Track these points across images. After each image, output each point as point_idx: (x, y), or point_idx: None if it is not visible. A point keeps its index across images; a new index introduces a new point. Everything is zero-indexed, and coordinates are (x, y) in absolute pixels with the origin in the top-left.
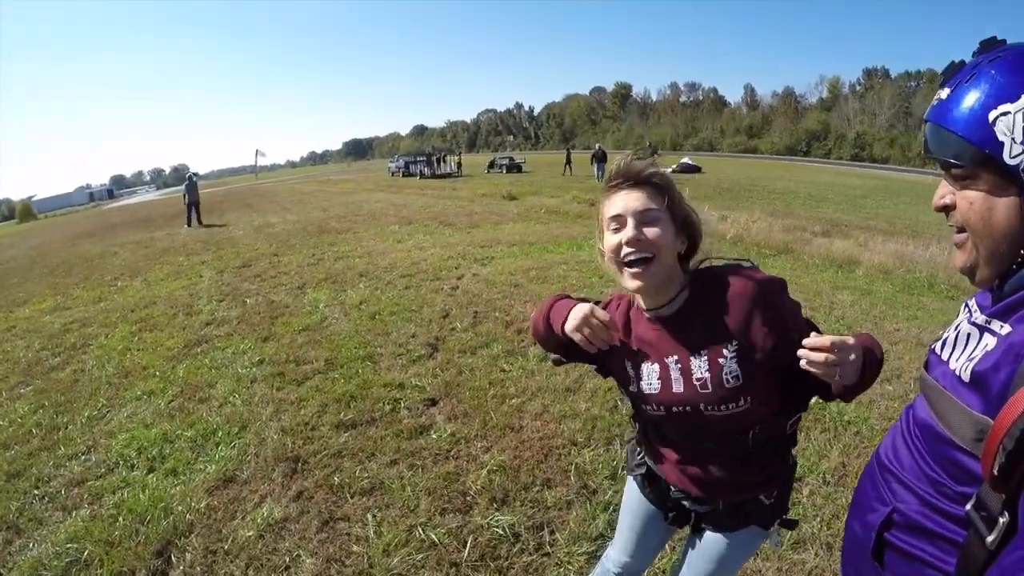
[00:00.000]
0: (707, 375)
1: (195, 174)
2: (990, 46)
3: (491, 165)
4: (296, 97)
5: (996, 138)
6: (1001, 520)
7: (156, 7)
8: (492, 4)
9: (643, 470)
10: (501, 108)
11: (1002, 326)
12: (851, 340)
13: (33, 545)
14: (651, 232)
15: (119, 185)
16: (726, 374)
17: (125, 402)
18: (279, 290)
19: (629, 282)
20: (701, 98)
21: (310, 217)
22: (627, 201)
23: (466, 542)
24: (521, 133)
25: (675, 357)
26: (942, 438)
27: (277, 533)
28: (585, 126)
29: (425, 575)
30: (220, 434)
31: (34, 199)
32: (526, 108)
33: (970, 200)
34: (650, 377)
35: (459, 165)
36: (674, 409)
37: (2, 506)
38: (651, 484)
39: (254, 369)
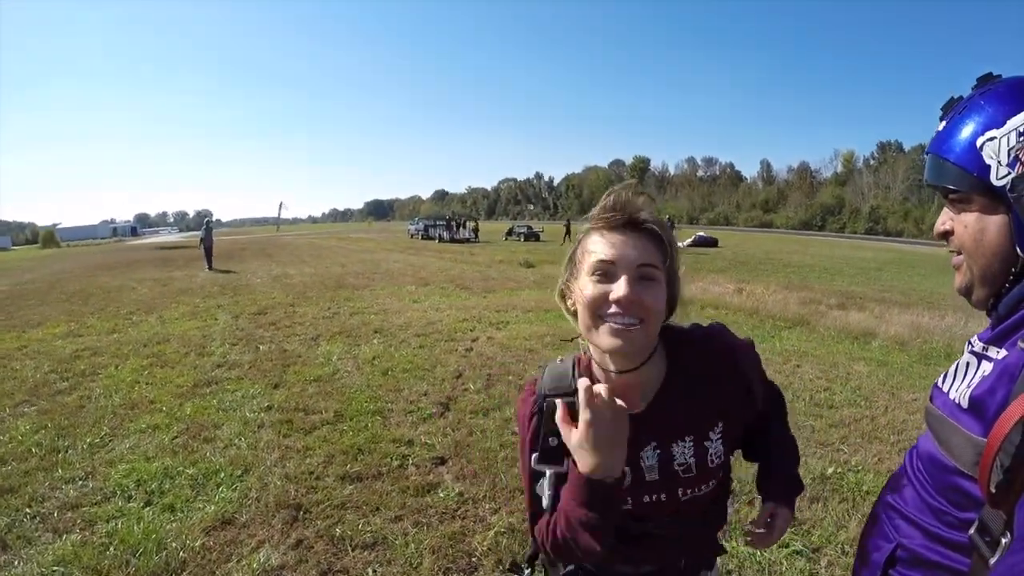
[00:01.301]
0: (691, 460)
1: (212, 220)
2: (986, 81)
3: (509, 232)
4: (322, 155)
5: (984, 162)
6: (1003, 540)
7: (198, 57)
8: (516, 77)
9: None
10: (521, 177)
11: (998, 351)
12: (784, 523)
13: (19, 563)
14: (646, 293)
15: (143, 223)
16: (711, 455)
17: (129, 433)
18: (293, 339)
19: (606, 340)
20: (718, 172)
21: (328, 271)
22: (625, 248)
23: None
24: (540, 203)
25: (653, 444)
26: (944, 466)
27: None
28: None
29: None
30: (222, 475)
31: (58, 227)
32: (546, 178)
33: (965, 223)
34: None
35: (476, 231)
36: (645, 500)
37: None
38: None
39: (262, 414)
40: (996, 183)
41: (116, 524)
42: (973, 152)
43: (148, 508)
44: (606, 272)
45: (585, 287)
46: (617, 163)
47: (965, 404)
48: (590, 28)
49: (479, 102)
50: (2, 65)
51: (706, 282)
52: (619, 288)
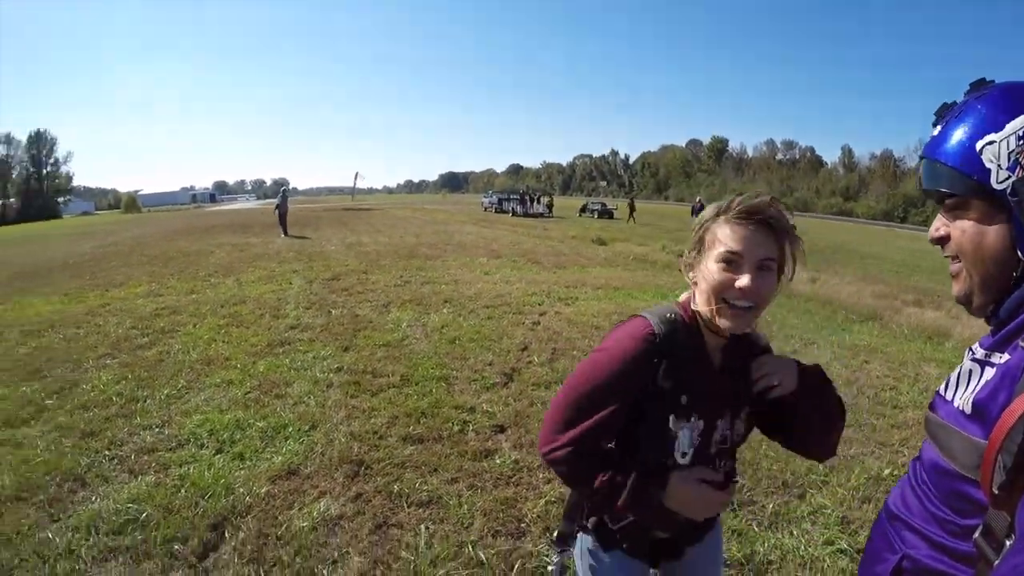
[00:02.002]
0: (727, 433)
1: (288, 188)
2: (979, 86)
3: (583, 209)
4: (399, 126)
5: (984, 166)
6: (1007, 543)
7: (278, 31)
8: (592, 53)
9: (628, 529)
10: (596, 154)
11: (1001, 356)
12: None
13: (96, 499)
14: (765, 283)
15: (221, 191)
16: (736, 433)
17: (204, 387)
18: (364, 305)
19: (725, 319)
20: (798, 156)
21: (402, 241)
22: (753, 243)
23: (513, 566)
24: (615, 180)
25: (714, 414)
26: (947, 472)
27: (330, 528)
28: (679, 178)
29: None
30: (290, 429)
31: (139, 193)
32: (621, 156)
33: (962, 228)
34: (684, 438)
35: (550, 206)
36: (704, 453)
37: (74, 460)
38: (639, 541)
39: (331, 375)
40: (997, 187)
41: (188, 469)
42: (972, 156)
43: (219, 455)
44: (733, 262)
45: (713, 271)
46: (694, 143)
47: (968, 410)
48: (668, 4)
49: (555, 77)
50: (93, 40)
51: None
52: (744, 279)
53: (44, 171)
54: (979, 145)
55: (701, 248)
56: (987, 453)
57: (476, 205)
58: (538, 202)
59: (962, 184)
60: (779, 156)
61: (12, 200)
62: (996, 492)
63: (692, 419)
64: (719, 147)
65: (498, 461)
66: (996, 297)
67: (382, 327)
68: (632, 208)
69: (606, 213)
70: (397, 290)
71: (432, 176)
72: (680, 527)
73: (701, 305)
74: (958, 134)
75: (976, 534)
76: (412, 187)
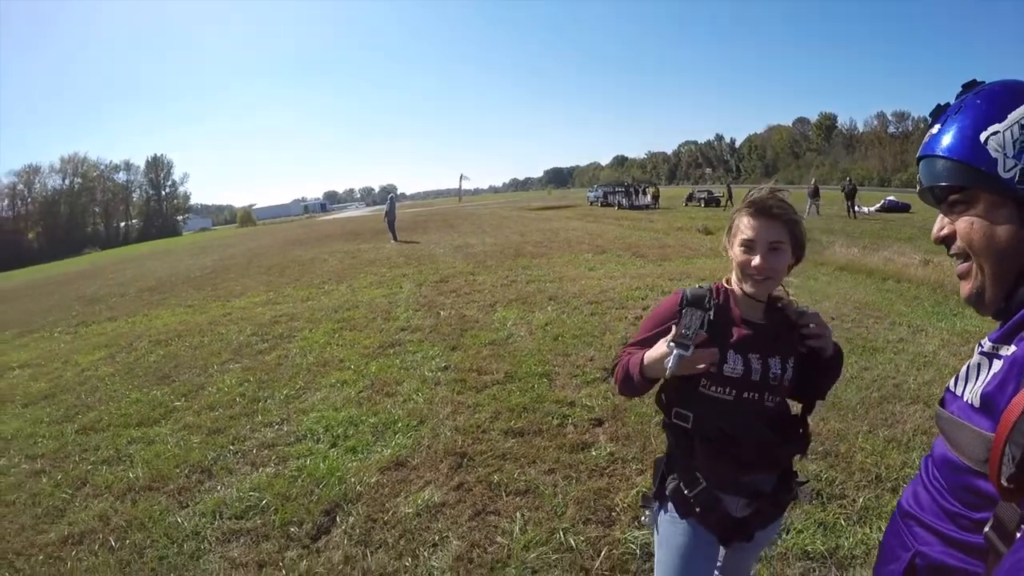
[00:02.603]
0: (778, 372)
1: (395, 194)
2: (972, 87)
3: (689, 198)
4: (501, 125)
5: (990, 156)
6: (1018, 535)
7: (382, 45)
8: (694, 35)
9: (701, 497)
10: (701, 140)
11: (1008, 348)
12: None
13: (220, 488)
14: (776, 260)
15: (331, 200)
16: (787, 375)
17: (320, 387)
18: (471, 306)
19: (748, 287)
20: (911, 128)
21: (508, 240)
22: (760, 231)
23: (600, 551)
24: (722, 166)
25: (758, 355)
26: (958, 466)
27: (433, 514)
28: (788, 159)
29: (556, 574)
30: (399, 424)
31: (254, 207)
32: (727, 140)
33: (970, 222)
34: (735, 364)
35: (656, 197)
36: (744, 395)
37: (201, 454)
38: (708, 509)
39: (439, 373)
40: (1004, 175)
41: (305, 461)
42: (977, 147)
43: (333, 449)
44: (749, 246)
45: (737, 254)
46: (802, 121)
47: (977, 403)
48: None
49: (657, 63)
50: (205, 68)
51: (891, 251)
52: (757, 259)
53: (163, 192)
54: (983, 136)
55: (730, 235)
56: (994, 445)
57: (582, 200)
58: (644, 193)
59: (969, 176)
60: (891, 129)
61: (134, 221)
62: (1005, 484)
63: (732, 352)
64: (828, 124)
65: (594, 453)
66: (1008, 291)
67: (488, 326)
68: (730, 194)
69: (712, 201)
70: (503, 290)
71: (537, 172)
72: (755, 506)
73: (734, 278)
74: (960, 128)
75: (987, 528)
76: (517, 185)
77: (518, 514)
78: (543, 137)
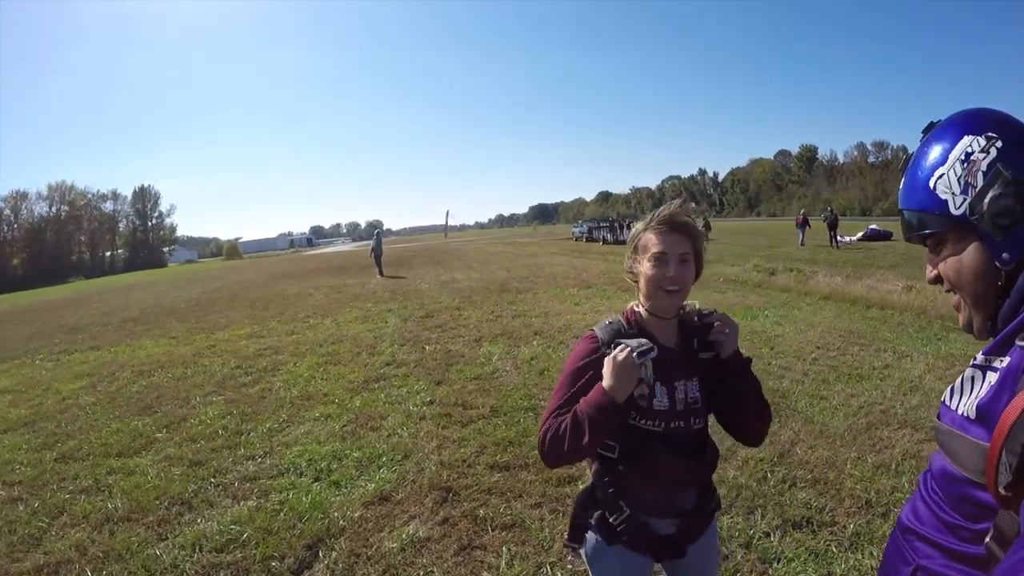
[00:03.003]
0: (697, 395)
1: (382, 230)
2: (928, 130)
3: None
4: (487, 161)
5: (940, 199)
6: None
7: (367, 77)
8: (677, 71)
9: (627, 524)
10: (685, 174)
11: (1001, 360)
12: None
13: (201, 521)
14: (686, 271)
15: (318, 235)
16: (704, 394)
17: (304, 421)
18: (457, 341)
19: (662, 301)
20: (890, 157)
21: (494, 276)
22: (671, 243)
23: None
24: (705, 200)
25: (681, 381)
26: (955, 478)
27: (417, 550)
28: (770, 191)
29: None
30: (384, 459)
31: (240, 240)
32: (710, 174)
33: (946, 260)
34: (662, 397)
35: None
36: (672, 424)
37: (181, 486)
38: (635, 535)
39: (424, 408)
40: (956, 212)
41: (287, 495)
42: (929, 194)
43: (316, 483)
44: (662, 259)
45: (648, 268)
46: (783, 153)
47: (973, 415)
48: (751, 16)
49: (641, 100)
50: (192, 97)
51: (874, 279)
52: (671, 270)
53: (149, 223)
54: (932, 182)
55: (635, 254)
56: (990, 453)
57: (567, 235)
58: (629, 228)
59: (932, 222)
60: (871, 159)
61: (120, 251)
62: (1003, 492)
63: (659, 385)
64: (809, 156)
65: (580, 486)
66: (991, 312)
67: (473, 361)
68: (708, 226)
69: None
70: (489, 324)
71: (522, 209)
72: (681, 523)
73: (643, 297)
74: (916, 179)
75: (987, 539)
76: (503, 221)
77: (504, 549)
78: (528, 173)
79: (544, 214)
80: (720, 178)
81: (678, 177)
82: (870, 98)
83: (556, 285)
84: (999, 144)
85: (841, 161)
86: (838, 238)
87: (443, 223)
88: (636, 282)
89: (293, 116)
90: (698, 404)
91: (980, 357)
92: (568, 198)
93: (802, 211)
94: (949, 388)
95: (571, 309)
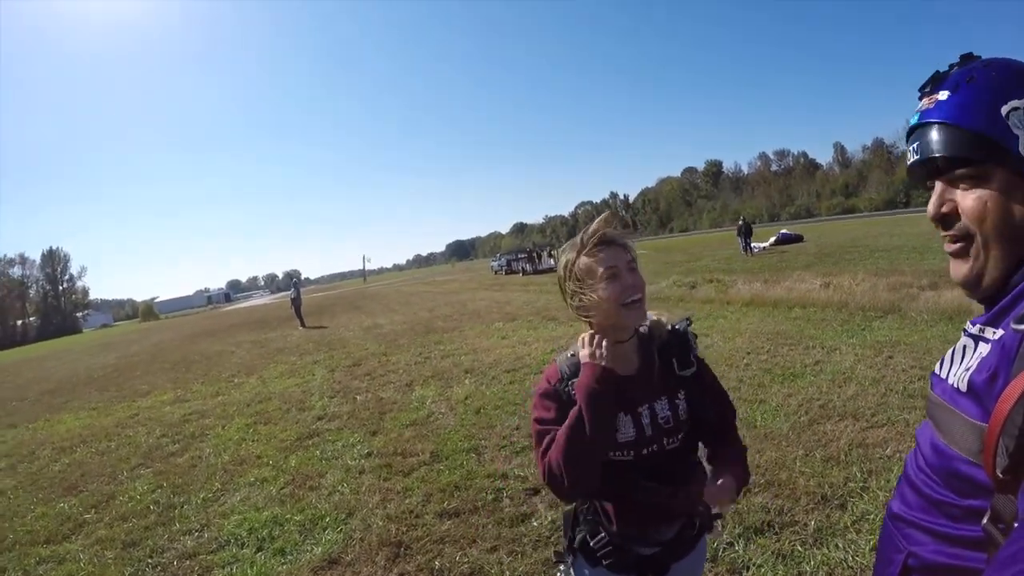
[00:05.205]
0: (668, 413)
1: (299, 280)
2: (969, 59)
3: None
4: (401, 203)
5: (1011, 131)
6: (1016, 526)
7: (273, 122)
8: (579, 99)
9: (608, 547)
10: (597, 199)
11: (995, 332)
12: (730, 486)
13: None
14: (639, 277)
15: (235, 289)
16: (680, 412)
17: (239, 487)
18: (388, 387)
19: (632, 317)
20: (792, 164)
21: (417, 317)
22: (614, 257)
23: None
24: (618, 221)
25: (645, 404)
26: (945, 453)
27: None
28: (680, 208)
29: None
30: (328, 519)
31: (156, 300)
32: (621, 196)
33: (983, 199)
34: (627, 428)
35: None
36: (643, 451)
37: (117, 571)
38: (616, 558)
39: (363, 461)
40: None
41: (231, 569)
42: (997, 119)
43: (260, 553)
44: (614, 273)
45: (603, 290)
46: (690, 170)
47: (964, 387)
48: (644, 41)
49: (548, 131)
50: (96, 156)
51: (791, 281)
52: (629, 278)
53: (60, 287)
54: (1004, 110)
55: (580, 282)
56: (988, 438)
57: (486, 270)
58: (549, 256)
59: (986, 149)
60: (774, 167)
61: (32, 318)
62: (1000, 476)
63: (622, 416)
64: (714, 170)
65: (535, 524)
66: (1007, 275)
67: (407, 407)
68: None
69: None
70: (418, 367)
71: (439, 247)
72: (664, 543)
73: (609, 322)
74: (981, 98)
75: (984, 520)
76: (421, 261)
77: None
78: (443, 211)
79: (461, 250)
80: (631, 199)
81: (591, 202)
82: (767, 109)
83: (481, 321)
84: None
85: (746, 172)
86: (751, 246)
87: (361, 268)
88: (588, 316)
89: (202, 166)
90: (670, 424)
91: (974, 326)
92: (484, 233)
93: (742, 218)
94: (941, 358)
95: (499, 344)
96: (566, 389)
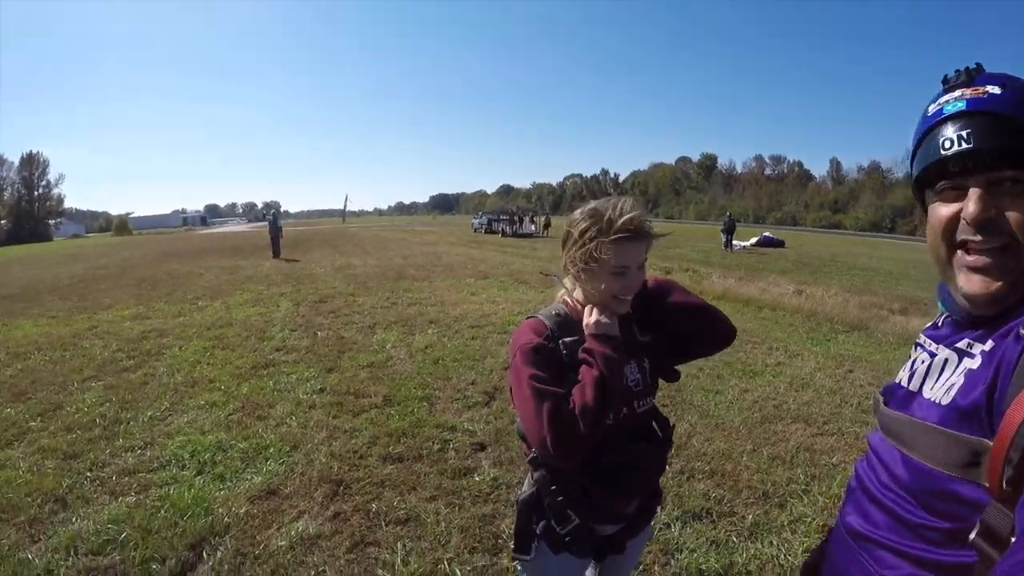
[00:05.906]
0: (638, 376)
1: (279, 211)
2: (979, 71)
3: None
4: (389, 148)
5: None
6: (1013, 540)
7: (269, 54)
8: (584, 72)
9: (574, 532)
10: (587, 174)
11: (983, 346)
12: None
13: (76, 519)
14: (642, 276)
15: (212, 214)
16: (649, 374)
17: (187, 409)
18: (350, 327)
19: (621, 308)
20: (786, 171)
21: (390, 263)
22: (634, 254)
23: None
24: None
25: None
26: (922, 471)
27: (308, 547)
28: (669, 195)
29: None
30: (271, 450)
31: (131, 216)
32: (611, 175)
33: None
34: None
35: (547, 226)
36: (620, 414)
37: (55, 481)
38: (583, 541)
39: (314, 396)
40: None
41: (169, 490)
42: None
43: (200, 476)
44: (623, 272)
45: (607, 281)
46: (684, 160)
47: (948, 401)
48: (657, 24)
49: (546, 97)
50: (80, 54)
51: (766, 282)
52: (630, 282)
53: (36, 193)
54: None
55: (591, 261)
56: (995, 451)
57: (466, 226)
58: (531, 221)
59: None
60: (767, 171)
61: (3, 221)
62: (1004, 487)
63: None
64: (708, 164)
65: (477, 479)
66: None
67: (367, 348)
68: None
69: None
70: (383, 311)
71: (423, 198)
72: (626, 519)
73: (602, 301)
74: None
75: (973, 535)
76: (403, 209)
77: (399, 544)
78: (430, 163)
79: (445, 204)
80: (621, 179)
81: (580, 175)
82: (772, 113)
83: (453, 275)
84: None
85: (739, 171)
86: (733, 243)
87: (341, 207)
88: (578, 281)
89: (194, 90)
90: (639, 386)
91: (963, 341)
92: (469, 190)
93: (728, 214)
94: (901, 378)
95: (468, 299)
96: (560, 348)
